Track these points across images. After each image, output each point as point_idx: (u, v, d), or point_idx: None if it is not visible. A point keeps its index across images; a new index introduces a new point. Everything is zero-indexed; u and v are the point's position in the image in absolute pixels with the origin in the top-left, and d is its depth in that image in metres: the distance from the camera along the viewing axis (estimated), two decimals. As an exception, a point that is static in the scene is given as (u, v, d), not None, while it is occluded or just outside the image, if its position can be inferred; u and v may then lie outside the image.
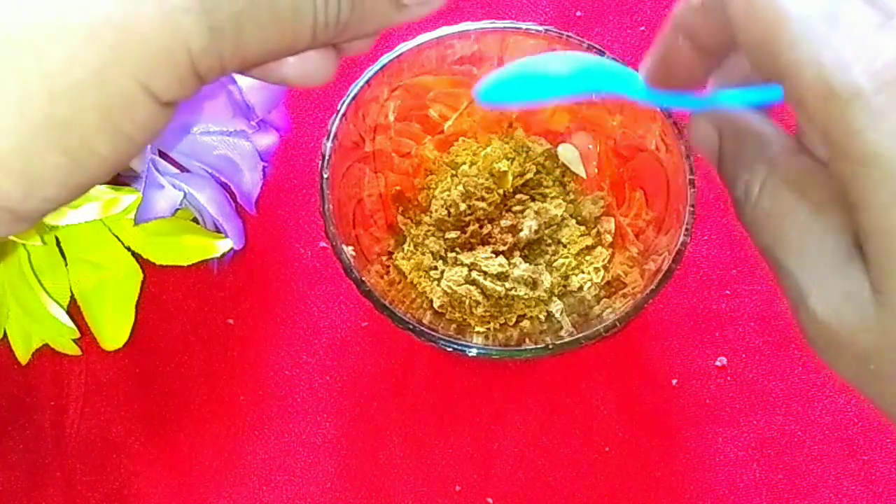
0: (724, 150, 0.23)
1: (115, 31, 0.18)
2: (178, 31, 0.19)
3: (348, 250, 0.38)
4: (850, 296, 0.19)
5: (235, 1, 0.19)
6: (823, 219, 0.20)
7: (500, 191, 0.44)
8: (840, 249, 0.20)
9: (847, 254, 0.19)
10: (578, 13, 0.49)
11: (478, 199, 0.43)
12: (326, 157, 0.39)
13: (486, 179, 0.44)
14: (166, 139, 0.42)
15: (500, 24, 0.40)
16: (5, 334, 0.43)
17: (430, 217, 0.44)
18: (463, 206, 0.43)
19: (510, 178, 0.44)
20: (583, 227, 0.44)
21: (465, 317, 0.42)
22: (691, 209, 0.38)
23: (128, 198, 0.40)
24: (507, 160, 0.44)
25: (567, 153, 0.45)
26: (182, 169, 0.44)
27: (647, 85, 0.23)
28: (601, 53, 0.39)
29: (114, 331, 0.44)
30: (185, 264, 0.43)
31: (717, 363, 0.45)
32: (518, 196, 0.44)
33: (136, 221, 0.39)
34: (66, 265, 0.43)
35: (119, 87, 0.19)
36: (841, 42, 0.18)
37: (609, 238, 0.44)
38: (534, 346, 0.38)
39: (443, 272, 0.43)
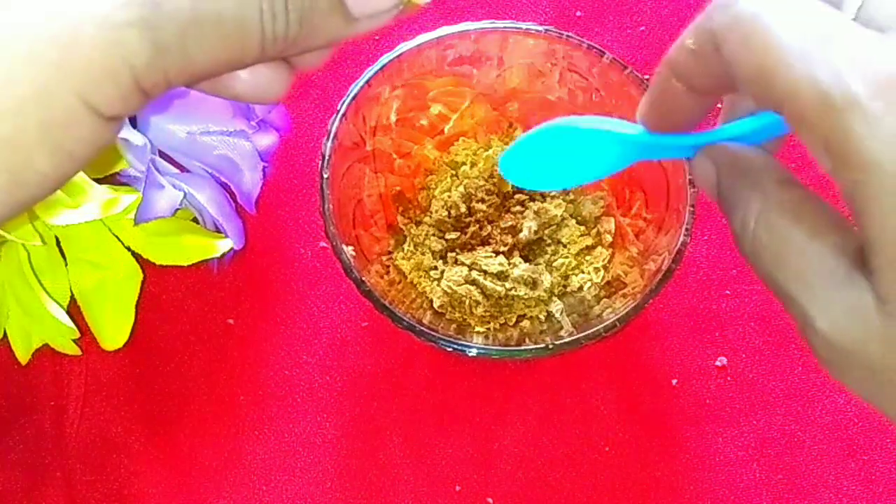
0: (722, 185, 0.23)
1: (56, 49, 0.18)
2: (121, 48, 0.18)
3: (348, 250, 0.38)
4: (853, 309, 0.19)
5: (180, 16, 0.19)
6: (819, 242, 0.20)
7: (501, 192, 0.44)
8: (839, 269, 0.20)
9: (847, 272, 0.19)
10: (578, 13, 0.49)
11: (478, 202, 0.43)
12: (326, 157, 0.39)
13: (487, 181, 0.44)
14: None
15: (500, 24, 0.40)
16: (5, 334, 0.43)
17: (431, 217, 0.44)
18: (463, 208, 0.43)
19: (510, 179, 0.44)
20: (583, 227, 0.44)
21: (465, 317, 0.42)
22: (691, 209, 0.38)
23: (128, 198, 0.40)
24: (507, 160, 0.44)
25: (567, 153, 0.45)
26: (182, 169, 0.44)
27: (645, 128, 0.24)
28: (601, 53, 0.39)
29: (114, 331, 0.44)
30: (185, 264, 0.43)
31: (717, 363, 0.45)
32: (518, 196, 0.44)
33: (136, 221, 0.39)
34: (66, 265, 0.43)
35: (61, 105, 0.19)
36: (835, 56, 0.18)
37: (609, 238, 0.44)
38: (534, 346, 0.38)
39: (443, 272, 0.43)
